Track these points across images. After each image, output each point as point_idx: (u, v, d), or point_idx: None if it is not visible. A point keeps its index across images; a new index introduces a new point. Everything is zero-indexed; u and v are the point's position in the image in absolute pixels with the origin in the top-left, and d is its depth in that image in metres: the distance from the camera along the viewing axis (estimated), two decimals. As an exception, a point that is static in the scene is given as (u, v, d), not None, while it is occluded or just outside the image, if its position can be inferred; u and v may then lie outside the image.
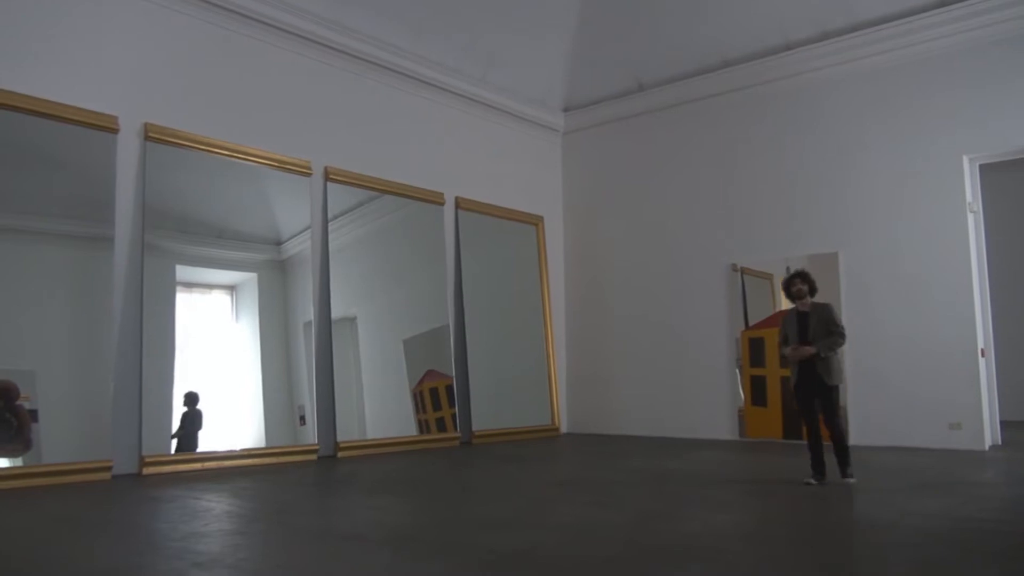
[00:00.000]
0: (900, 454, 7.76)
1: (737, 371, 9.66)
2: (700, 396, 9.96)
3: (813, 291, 6.19)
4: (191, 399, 7.18)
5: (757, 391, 9.45)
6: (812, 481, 5.90)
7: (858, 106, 9.02)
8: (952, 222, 8.36)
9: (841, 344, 5.99)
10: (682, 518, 4.77)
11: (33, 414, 6.16)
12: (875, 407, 8.58)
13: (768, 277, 9.65)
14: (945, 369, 8.20)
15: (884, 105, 8.85)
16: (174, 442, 7.01)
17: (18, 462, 6.04)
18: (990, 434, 8.21)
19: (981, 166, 8.54)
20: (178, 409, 7.06)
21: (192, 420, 7.16)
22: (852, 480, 5.88)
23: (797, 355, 5.99)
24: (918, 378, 8.34)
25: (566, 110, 11.59)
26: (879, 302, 8.70)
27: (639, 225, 10.76)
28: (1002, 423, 8.87)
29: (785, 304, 9.33)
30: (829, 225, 9.14)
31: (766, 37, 9.53)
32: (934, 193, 8.47)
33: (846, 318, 8.82)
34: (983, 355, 8.26)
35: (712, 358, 9.86)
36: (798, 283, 6.17)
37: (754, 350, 9.51)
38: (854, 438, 8.63)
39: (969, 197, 8.37)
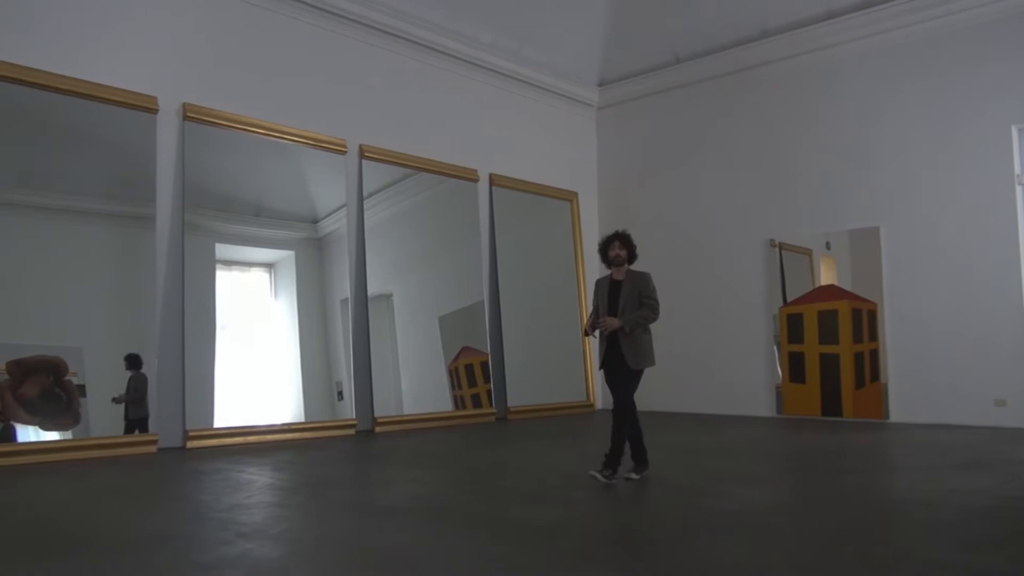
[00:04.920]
0: (944, 431, 7.63)
1: (775, 347, 9.55)
2: (737, 373, 9.88)
3: (632, 258, 5.31)
4: (134, 362, 6.68)
5: (795, 368, 9.34)
6: (633, 475, 5.10)
7: (902, 75, 8.77)
8: (1000, 194, 8.11)
9: (651, 319, 5.12)
10: (718, 493, 4.75)
11: (81, 389, 6.35)
12: (918, 383, 8.43)
13: (807, 253, 9.49)
14: (990, 345, 8.01)
15: (930, 74, 8.58)
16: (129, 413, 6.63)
17: (68, 435, 6.24)
18: (1037, 411, 8.02)
19: (1031, 136, 8.27)
20: (212, 381, 7.17)
21: (139, 384, 6.67)
22: (603, 481, 4.91)
23: (602, 327, 5.13)
24: (963, 354, 8.16)
25: (601, 84, 11.46)
26: (922, 277, 8.50)
27: (675, 200, 10.64)
28: (1050, 400, 8.64)
29: (825, 278, 9.28)
30: (870, 199, 8.93)
31: (807, 6, 9.28)
32: (981, 165, 8.22)
33: (888, 293, 8.69)
34: (1031, 331, 8.06)
35: (749, 334, 9.75)
36: (616, 247, 5.26)
37: (792, 326, 9.38)
38: (896, 414, 8.53)
39: (1018, 169, 8.11)
